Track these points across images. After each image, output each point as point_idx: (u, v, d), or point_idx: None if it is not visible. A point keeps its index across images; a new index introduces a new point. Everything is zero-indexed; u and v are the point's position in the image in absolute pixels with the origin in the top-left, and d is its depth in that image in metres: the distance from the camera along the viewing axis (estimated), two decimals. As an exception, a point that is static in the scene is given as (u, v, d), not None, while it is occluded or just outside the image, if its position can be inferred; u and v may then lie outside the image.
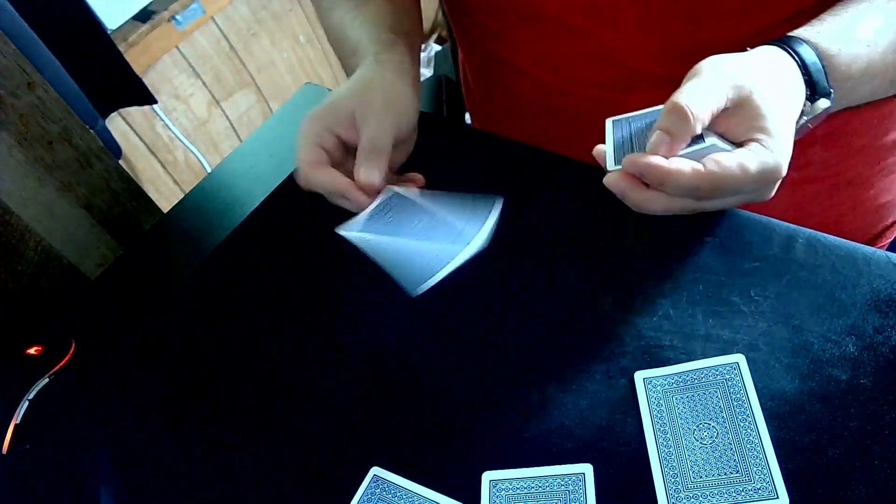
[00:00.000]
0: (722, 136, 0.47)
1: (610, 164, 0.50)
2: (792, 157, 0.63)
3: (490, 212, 0.50)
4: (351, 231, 0.53)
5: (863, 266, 0.48)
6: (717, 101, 0.45)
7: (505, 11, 0.64)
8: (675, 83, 0.48)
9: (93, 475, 0.51)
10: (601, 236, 0.54)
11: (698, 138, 0.46)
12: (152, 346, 0.58)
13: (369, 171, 0.53)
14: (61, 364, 0.58)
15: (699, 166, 0.44)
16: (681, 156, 0.46)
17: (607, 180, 0.48)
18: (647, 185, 0.47)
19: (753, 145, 0.45)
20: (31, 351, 0.59)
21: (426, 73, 1.86)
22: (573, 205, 0.57)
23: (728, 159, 0.44)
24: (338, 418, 0.50)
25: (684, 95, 0.45)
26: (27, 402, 0.56)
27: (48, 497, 0.52)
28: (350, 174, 0.54)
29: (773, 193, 0.48)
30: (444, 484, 0.45)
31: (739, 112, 0.46)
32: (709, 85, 0.45)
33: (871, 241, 0.71)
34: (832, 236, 0.50)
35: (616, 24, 0.58)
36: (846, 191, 0.66)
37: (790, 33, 0.50)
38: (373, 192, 0.54)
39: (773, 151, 0.45)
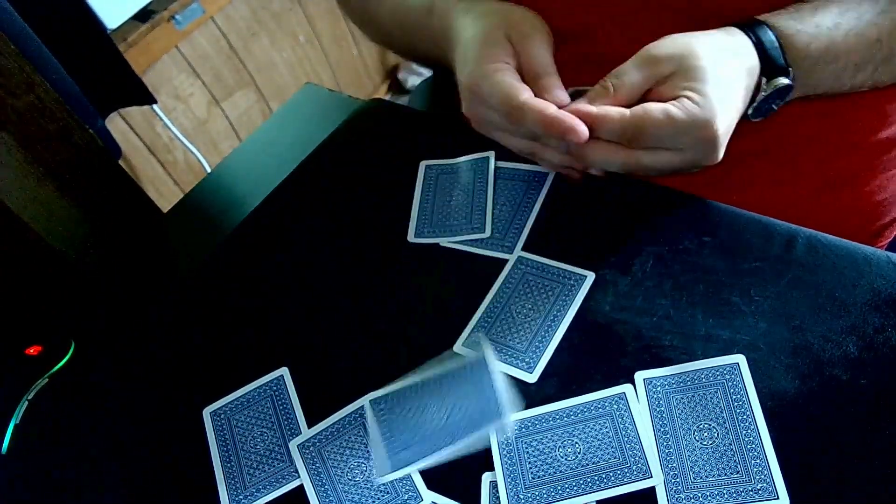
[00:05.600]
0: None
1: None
2: (784, 153, 0.63)
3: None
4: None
5: (863, 266, 0.48)
6: (647, 82, 0.49)
7: None
8: None
9: (92, 475, 0.51)
10: (601, 236, 0.54)
11: None
12: (152, 346, 0.58)
13: (562, 92, 0.52)
14: (61, 364, 0.58)
15: (625, 111, 0.47)
16: None
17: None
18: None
19: (682, 99, 0.47)
20: (31, 351, 0.59)
21: (425, 73, 1.86)
22: (572, 205, 0.57)
23: (654, 106, 0.47)
24: (338, 418, 0.50)
25: (615, 75, 0.50)
26: (27, 402, 0.56)
27: (48, 497, 0.52)
28: None
29: (717, 157, 0.49)
30: (444, 484, 0.45)
31: (673, 76, 0.48)
32: (646, 65, 0.49)
33: (871, 240, 0.71)
34: (832, 236, 0.50)
35: (619, 26, 0.58)
36: (843, 188, 0.66)
37: (752, 17, 0.53)
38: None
39: (702, 107, 0.47)
